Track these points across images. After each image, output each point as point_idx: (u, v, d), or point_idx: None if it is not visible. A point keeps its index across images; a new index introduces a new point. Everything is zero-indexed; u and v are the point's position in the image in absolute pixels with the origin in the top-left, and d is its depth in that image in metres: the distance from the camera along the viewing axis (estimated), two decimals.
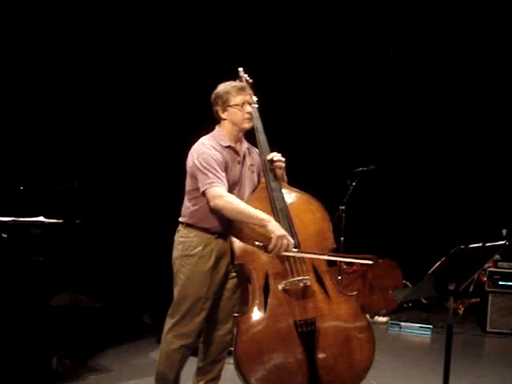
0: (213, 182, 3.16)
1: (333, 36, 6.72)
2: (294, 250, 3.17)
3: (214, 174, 3.17)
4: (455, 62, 6.71)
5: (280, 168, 3.38)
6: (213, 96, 3.35)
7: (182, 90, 6.34)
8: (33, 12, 5.84)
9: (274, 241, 3.09)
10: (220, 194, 3.14)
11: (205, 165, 3.19)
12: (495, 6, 6.48)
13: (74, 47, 6.05)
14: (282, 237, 3.10)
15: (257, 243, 3.15)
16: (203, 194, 3.19)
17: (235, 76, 3.55)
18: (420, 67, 6.81)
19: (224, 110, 3.31)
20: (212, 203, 3.16)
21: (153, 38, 6.33)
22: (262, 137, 3.42)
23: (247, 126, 3.33)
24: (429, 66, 6.80)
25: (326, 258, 3.30)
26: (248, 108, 3.30)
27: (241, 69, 3.58)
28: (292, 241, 3.14)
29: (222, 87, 3.35)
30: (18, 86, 5.82)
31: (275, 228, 3.11)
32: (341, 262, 3.40)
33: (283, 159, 3.38)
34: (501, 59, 6.60)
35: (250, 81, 3.55)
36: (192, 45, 6.43)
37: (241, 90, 3.31)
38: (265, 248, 3.13)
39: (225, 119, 3.33)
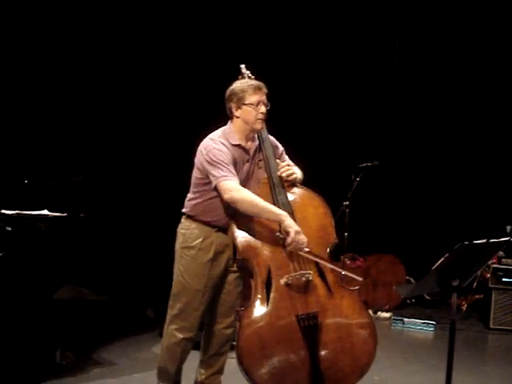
0: (227, 176, 3.15)
1: (337, 33, 6.70)
2: (306, 250, 3.17)
3: (227, 169, 3.16)
4: (460, 59, 6.69)
5: (292, 179, 3.37)
6: (228, 92, 3.32)
7: (186, 85, 6.34)
8: (33, 12, 5.84)
9: (292, 235, 3.08)
10: (235, 187, 3.13)
11: (215, 159, 3.18)
12: (500, 3, 6.45)
13: (78, 41, 6.05)
14: (299, 232, 3.10)
15: (277, 234, 3.15)
16: (215, 188, 3.18)
17: (240, 72, 3.55)
18: (425, 64, 6.79)
19: (238, 108, 3.28)
20: (227, 195, 3.13)
21: (159, 32, 6.32)
22: (264, 134, 3.41)
23: (259, 126, 3.31)
24: (434, 63, 6.77)
25: (328, 265, 3.27)
26: (262, 108, 3.27)
27: (243, 65, 3.56)
28: (306, 239, 3.14)
29: (238, 84, 3.32)
30: (22, 80, 5.82)
31: (292, 223, 3.11)
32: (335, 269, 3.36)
33: (290, 173, 3.35)
34: (505, 57, 6.58)
35: (253, 77, 3.53)
36: (199, 40, 6.41)
37: (257, 89, 3.27)
38: (283, 241, 3.13)
39: (238, 117, 3.30)
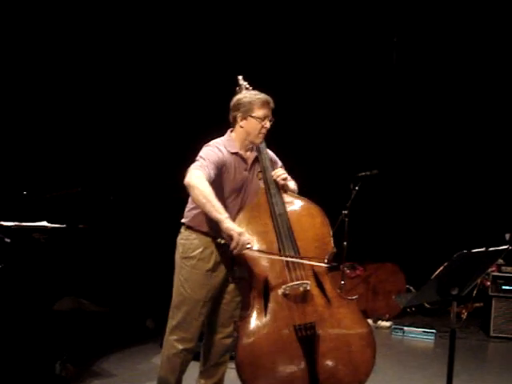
0: (200, 167, 3.14)
1: (336, 41, 6.73)
2: (255, 249, 3.15)
3: (206, 164, 3.16)
4: (458, 67, 6.71)
5: (283, 180, 3.38)
6: (234, 102, 3.35)
7: (185, 95, 6.36)
8: (33, 12, 5.85)
9: (235, 237, 3.02)
10: (197, 175, 3.10)
11: (202, 155, 3.21)
12: (498, 12, 6.48)
13: (77, 53, 6.06)
14: (242, 233, 3.05)
15: (219, 240, 3.15)
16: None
17: (237, 84, 3.56)
18: (423, 72, 6.82)
19: (243, 118, 3.31)
20: (186, 178, 3.11)
21: (158, 43, 6.34)
22: (261, 145, 3.42)
23: (259, 141, 3.36)
24: (432, 72, 6.80)
25: (284, 258, 3.22)
26: (267, 124, 3.31)
27: (240, 76, 3.58)
28: (251, 238, 3.12)
29: (246, 95, 3.34)
30: (21, 91, 5.83)
31: (232, 226, 3.06)
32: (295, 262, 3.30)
33: (283, 176, 3.38)
34: (504, 65, 6.60)
35: (250, 88, 3.55)
36: (197, 50, 6.44)
37: (265, 103, 3.31)
38: (228, 245, 3.10)
39: (242, 127, 3.33)
